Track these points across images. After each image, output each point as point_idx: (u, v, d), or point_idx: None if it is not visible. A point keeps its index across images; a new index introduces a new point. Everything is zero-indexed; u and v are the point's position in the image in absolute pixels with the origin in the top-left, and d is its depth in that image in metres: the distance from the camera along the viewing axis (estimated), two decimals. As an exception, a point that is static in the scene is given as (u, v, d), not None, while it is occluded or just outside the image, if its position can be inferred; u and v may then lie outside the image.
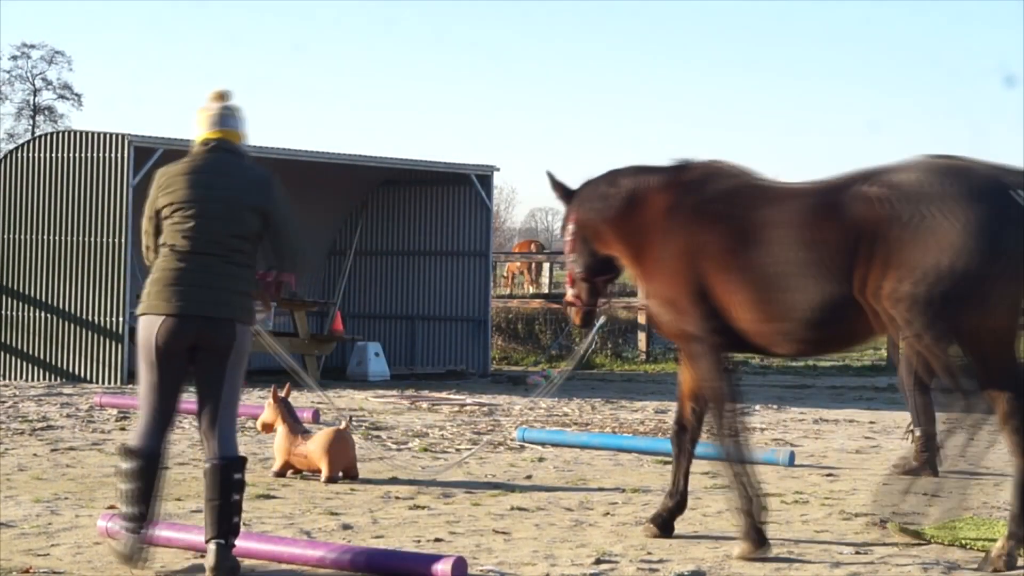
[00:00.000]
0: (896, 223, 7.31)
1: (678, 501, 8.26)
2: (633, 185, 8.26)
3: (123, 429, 12.91)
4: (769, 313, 7.69)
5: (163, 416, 6.98)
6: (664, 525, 8.22)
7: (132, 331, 17.76)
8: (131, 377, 17.64)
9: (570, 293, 8.75)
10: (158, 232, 7.00)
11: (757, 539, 7.71)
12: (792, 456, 11.30)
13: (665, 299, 8.03)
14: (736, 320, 7.81)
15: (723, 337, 7.92)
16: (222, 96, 7.12)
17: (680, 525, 8.44)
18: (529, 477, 10.46)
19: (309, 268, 6.96)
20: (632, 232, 8.19)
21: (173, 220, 6.93)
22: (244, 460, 7.00)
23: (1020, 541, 7.38)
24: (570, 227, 8.60)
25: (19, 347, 18.09)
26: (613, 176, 8.42)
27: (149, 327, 6.89)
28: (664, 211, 8.06)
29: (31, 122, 79.06)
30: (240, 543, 6.99)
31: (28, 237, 18.16)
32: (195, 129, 7.10)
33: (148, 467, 6.90)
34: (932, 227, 7.24)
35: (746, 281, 7.70)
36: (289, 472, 10.13)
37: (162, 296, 6.88)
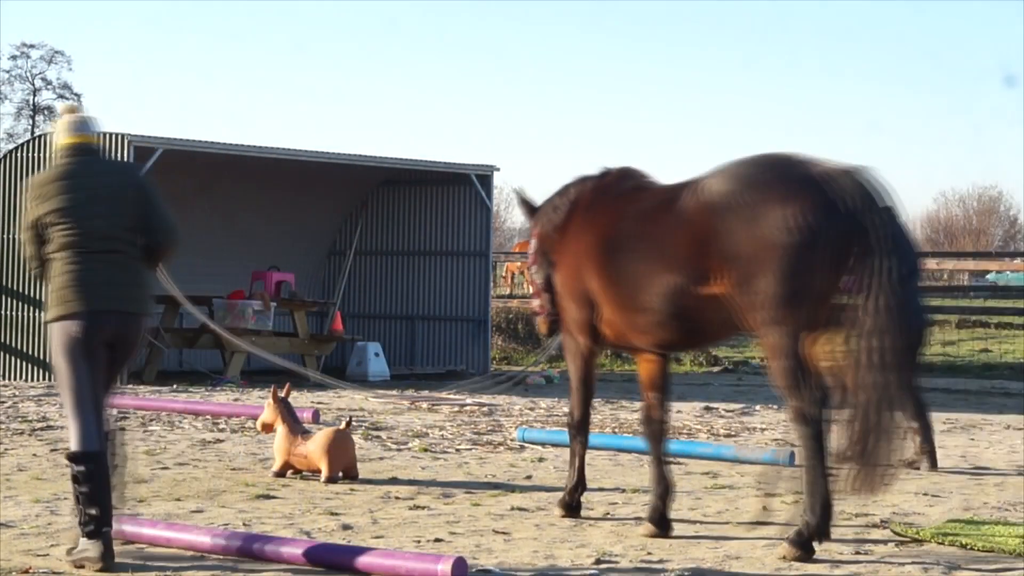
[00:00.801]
0: (716, 216, 7.64)
1: (664, 487, 8.38)
2: (570, 196, 8.82)
3: (123, 429, 12.88)
4: (632, 308, 8.10)
5: (98, 412, 7.15)
6: (660, 521, 8.30)
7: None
8: (131, 377, 17.66)
9: (535, 303, 9.14)
10: (41, 241, 7.27)
11: (661, 523, 8.24)
12: (792, 456, 11.28)
13: (562, 295, 8.66)
14: (607, 314, 8.32)
15: (598, 333, 8.48)
16: (73, 109, 7.54)
17: (680, 525, 8.43)
18: (529, 477, 10.46)
19: (177, 243, 7.37)
20: (559, 237, 8.77)
21: (61, 226, 7.17)
22: (98, 454, 7.08)
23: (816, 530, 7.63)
24: (533, 241, 9.08)
25: (19, 347, 18.08)
26: (564, 188, 8.94)
27: (69, 328, 7.07)
28: (572, 216, 8.67)
29: (31, 122, 79.05)
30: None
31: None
32: (55, 139, 7.48)
33: (98, 467, 7.06)
34: (762, 221, 7.50)
35: (613, 279, 8.17)
36: (289, 472, 10.13)
37: (78, 296, 7.07)
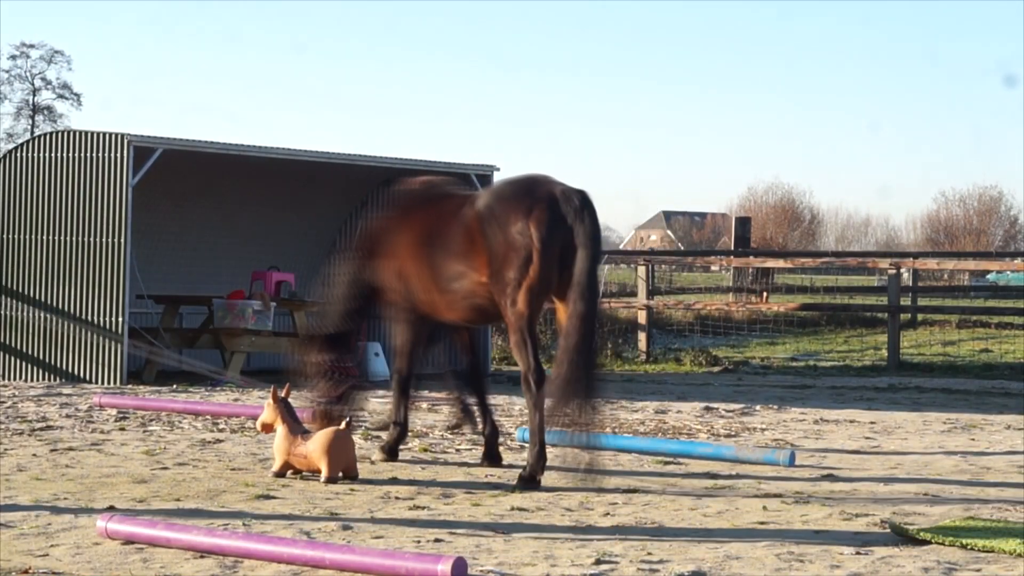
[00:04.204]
0: (482, 221, 10.10)
1: (401, 430, 11.07)
2: (395, 199, 11.29)
3: (123, 429, 12.91)
4: (437, 289, 10.46)
5: None
6: (391, 451, 11.00)
7: (132, 331, 17.81)
8: (131, 377, 17.66)
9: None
10: None
11: (392, 453, 11.00)
12: (792, 456, 11.29)
13: (391, 279, 10.84)
14: (420, 295, 10.61)
15: (416, 308, 10.74)
16: None
17: (680, 525, 8.43)
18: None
19: None
20: (388, 233, 11.09)
21: None
22: None
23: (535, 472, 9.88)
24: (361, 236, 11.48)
25: (19, 347, 18.08)
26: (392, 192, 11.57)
27: None
28: (398, 216, 11.07)
29: (30, 122, 79.04)
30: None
31: (27, 237, 18.15)
32: None
33: None
34: (512, 226, 9.96)
35: (424, 266, 10.49)
36: (289, 472, 10.13)
37: None
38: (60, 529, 8.10)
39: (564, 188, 10.15)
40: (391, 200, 11.16)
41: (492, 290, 10.10)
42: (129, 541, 7.67)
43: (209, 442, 12.11)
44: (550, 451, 10.11)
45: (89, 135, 17.89)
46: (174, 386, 17.11)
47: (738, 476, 10.63)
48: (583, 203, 10.07)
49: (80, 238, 17.78)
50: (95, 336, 17.59)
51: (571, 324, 9.84)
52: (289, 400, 10.38)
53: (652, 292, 25.17)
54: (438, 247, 10.42)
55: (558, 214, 9.98)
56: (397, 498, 9.42)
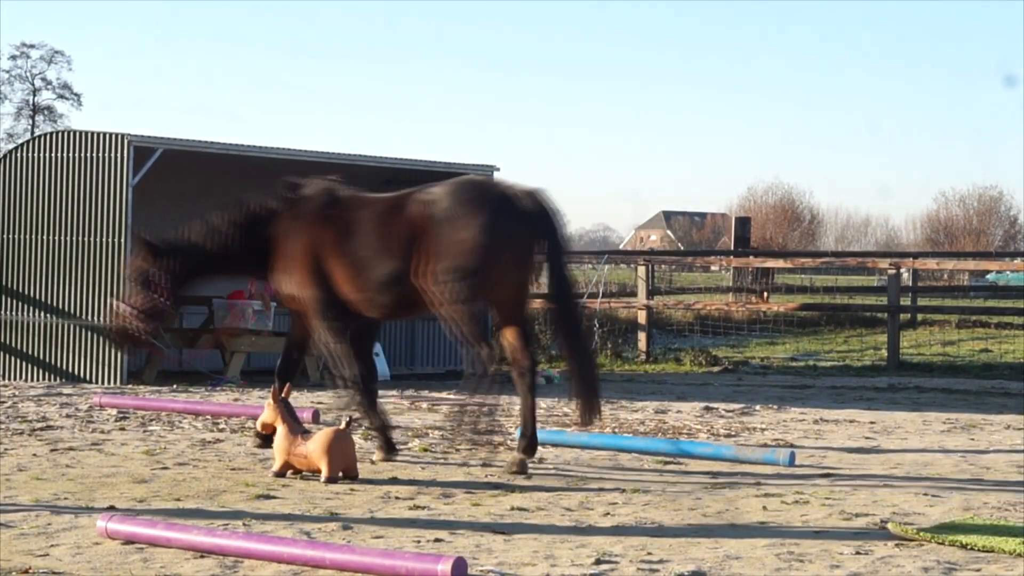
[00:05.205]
0: (433, 222, 10.43)
1: (385, 424, 11.30)
2: (293, 203, 11.35)
3: (123, 429, 12.91)
4: (359, 286, 10.72)
5: None
6: (389, 446, 11.15)
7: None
8: (131, 377, 17.66)
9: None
10: None
11: (388, 447, 11.09)
12: (792, 456, 11.29)
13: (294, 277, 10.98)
14: (341, 292, 10.80)
15: (334, 305, 10.86)
16: None
17: (680, 525, 8.43)
18: (529, 477, 10.46)
19: None
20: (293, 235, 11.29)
21: None
22: None
23: (527, 453, 10.66)
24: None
25: (19, 347, 18.08)
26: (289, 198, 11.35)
27: None
28: (301, 219, 11.18)
29: (31, 122, 79.04)
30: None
31: (28, 237, 18.15)
32: None
33: None
34: (457, 225, 10.36)
35: (345, 263, 10.72)
36: (289, 472, 10.13)
37: None
38: (60, 529, 8.10)
39: (518, 188, 10.66)
40: (294, 203, 11.10)
41: (425, 286, 10.47)
42: (129, 541, 7.67)
43: (209, 442, 12.11)
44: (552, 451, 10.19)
45: (89, 135, 17.89)
46: (174, 386, 17.11)
47: (738, 476, 10.63)
48: (538, 202, 10.59)
49: (80, 238, 17.78)
50: (95, 336, 17.59)
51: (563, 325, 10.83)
52: (289, 400, 10.38)
53: (652, 292, 25.17)
54: (370, 247, 10.66)
55: (513, 213, 10.48)
56: (397, 498, 9.42)
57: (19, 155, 18.40)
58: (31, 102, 79.64)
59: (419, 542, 7.90)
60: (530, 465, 10.92)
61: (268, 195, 11.23)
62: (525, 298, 10.83)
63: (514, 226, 10.47)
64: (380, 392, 16.95)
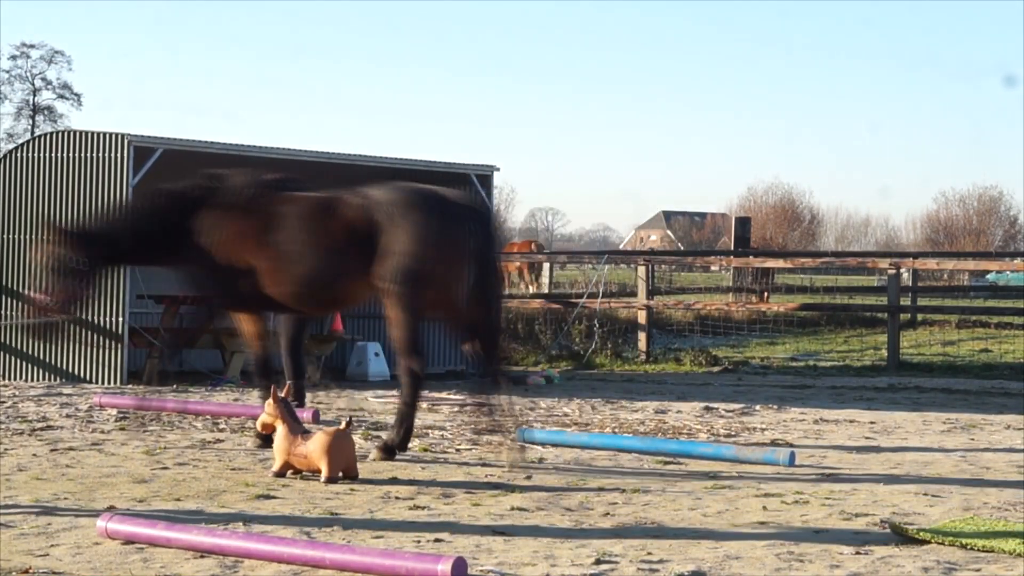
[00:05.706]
0: (371, 223, 10.75)
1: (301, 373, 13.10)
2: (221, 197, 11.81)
3: (123, 429, 12.91)
4: (288, 281, 10.98)
5: None
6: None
7: (132, 331, 17.81)
8: (131, 377, 17.66)
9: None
10: None
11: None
12: (792, 456, 11.29)
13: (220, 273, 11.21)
14: (269, 287, 11.05)
15: (261, 299, 11.17)
16: None
17: (680, 525, 8.43)
18: (529, 477, 10.46)
19: None
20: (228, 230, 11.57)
21: None
22: None
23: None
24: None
25: (19, 347, 18.08)
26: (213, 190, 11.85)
27: None
28: (236, 213, 11.50)
29: (31, 122, 79.05)
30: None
31: (28, 237, 18.15)
32: None
33: None
34: (398, 225, 10.69)
35: (268, 256, 10.98)
36: (289, 472, 10.13)
37: None
38: (60, 529, 8.10)
39: (455, 192, 11.36)
40: (216, 193, 11.47)
41: (364, 287, 10.92)
42: (129, 541, 7.67)
43: (209, 442, 12.11)
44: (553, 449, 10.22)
45: (89, 135, 17.89)
46: (174, 386, 17.11)
47: (738, 476, 10.63)
48: (472, 199, 11.35)
49: (80, 238, 17.76)
50: (95, 336, 17.58)
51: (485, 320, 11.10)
52: (289, 400, 10.38)
53: (652, 292, 25.16)
54: (298, 242, 10.91)
55: (449, 214, 10.91)
56: (397, 498, 9.42)
57: (19, 155, 18.41)
58: (31, 102, 79.66)
59: (419, 542, 7.90)
60: (533, 467, 10.92)
61: (190, 185, 11.55)
62: (461, 295, 11.00)
63: (452, 225, 10.86)
64: (380, 392, 17.00)
